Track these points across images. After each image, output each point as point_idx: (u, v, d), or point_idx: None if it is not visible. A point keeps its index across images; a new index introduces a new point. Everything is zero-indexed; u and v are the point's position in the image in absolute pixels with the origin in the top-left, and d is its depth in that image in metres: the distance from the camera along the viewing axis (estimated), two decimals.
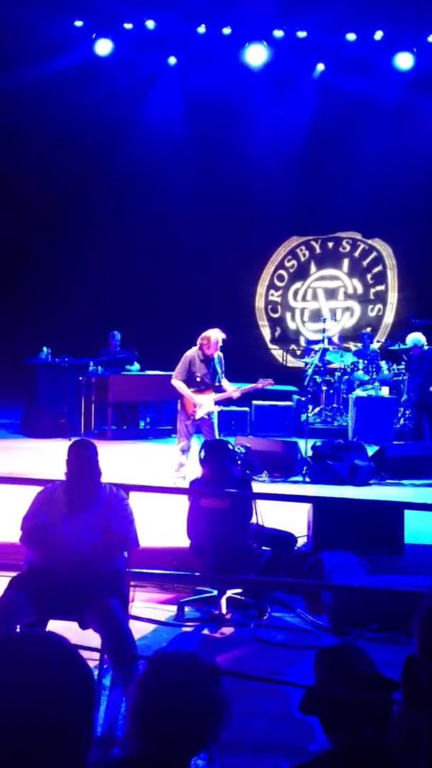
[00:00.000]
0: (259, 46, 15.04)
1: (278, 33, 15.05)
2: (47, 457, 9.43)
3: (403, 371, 12.85)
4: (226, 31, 15.05)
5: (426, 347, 11.60)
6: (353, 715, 2.22)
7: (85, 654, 1.41)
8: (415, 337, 11.72)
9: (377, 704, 2.25)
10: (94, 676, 1.32)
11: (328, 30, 14.93)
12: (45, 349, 12.80)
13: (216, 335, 8.49)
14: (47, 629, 4.24)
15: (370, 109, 15.69)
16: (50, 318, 14.89)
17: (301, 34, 15.04)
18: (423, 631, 1.08)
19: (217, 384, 8.51)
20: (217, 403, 8.61)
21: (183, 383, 8.48)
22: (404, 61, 15.02)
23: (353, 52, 15.12)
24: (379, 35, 14.83)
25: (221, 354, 8.68)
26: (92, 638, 4.13)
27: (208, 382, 8.48)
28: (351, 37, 14.96)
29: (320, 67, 15.74)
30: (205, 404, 8.43)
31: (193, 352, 8.53)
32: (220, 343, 8.50)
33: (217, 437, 8.42)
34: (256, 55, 15.13)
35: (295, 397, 13.11)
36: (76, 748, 1.21)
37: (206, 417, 8.46)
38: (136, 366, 12.79)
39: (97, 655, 4.18)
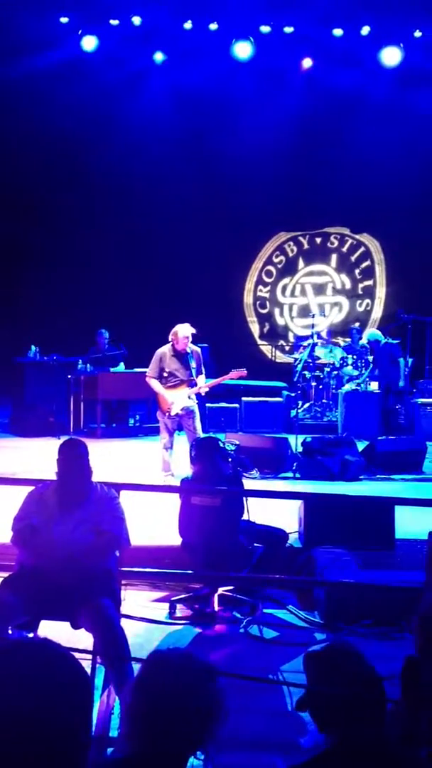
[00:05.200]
0: (246, 43, 15.00)
1: (265, 28, 15.03)
2: (36, 457, 9.40)
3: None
4: (213, 26, 15.02)
5: (383, 342, 11.80)
6: (347, 714, 2.22)
7: (77, 654, 1.40)
8: (371, 333, 12.07)
9: (371, 701, 2.26)
10: (90, 680, 1.31)
11: (315, 25, 14.91)
12: (33, 347, 12.76)
13: (183, 330, 8.52)
14: (40, 632, 4.24)
15: (358, 104, 15.69)
16: (39, 316, 14.85)
17: (288, 29, 15.03)
18: (423, 632, 1.08)
19: (190, 379, 8.52)
20: (198, 397, 8.62)
21: (156, 380, 8.52)
22: (391, 56, 15.03)
23: (341, 47, 15.12)
24: (366, 30, 14.83)
25: (198, 350, 8.71)
26: (84, 638, 4.13)
27: (181, 378, 8.50)
28: (338, 32, 14.96)
29: (308, 62, 15.71)
30: (177, 400, 8.43)
31: (164, 348, 8.61)
32: (189, 338, 8.52)
33: (201, 433, 8.44)
34: (242, 51, 15.11)
35: (285, 392, 13.13)
36: (76, 751, 1.21)
37: (181, 412, 8.46)
38: (121, 366, 12.77)
39: (89, 655, 4.17)
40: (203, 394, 8.87)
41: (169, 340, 8.60)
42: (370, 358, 12.74)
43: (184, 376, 8.50)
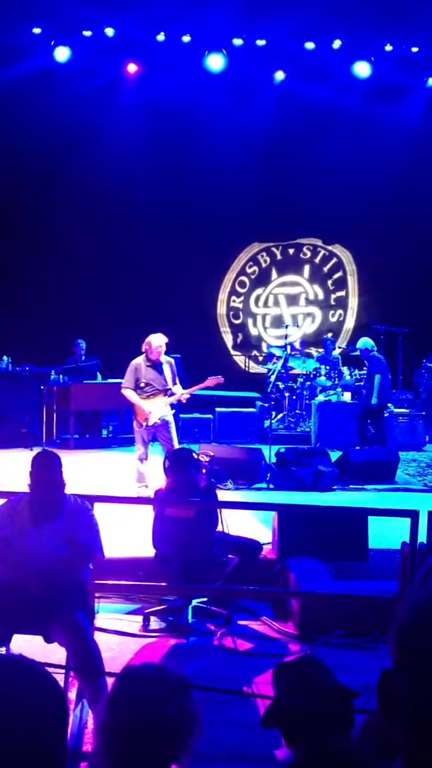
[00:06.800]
0: (218, 56, 15.08)
1: (237, 41, 15.12)
2: (9, 468, 9.32)
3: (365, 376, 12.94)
4: (186, 39, 15.07)
5: (372, 353, 11.58)
6: (313, 727, 2.23)
7: (50, 669, 1.39)
8: (363, 341, 11.80)
9: (336, 714, 2.27)
10: (65, 696, 1.30)
11: (287, 38, 15.03)
12: (5, 358, 12.67)
13: (157, 340, 8.53)
14: (12, 646, 4.19)
15: (330, 117, 15.80)
16: (10, 327, 14.73)
17: (261, 42, 15.13)
18: (398, 644, 1.08)
19: (166, 389, 8.51)
20: (173, 407, 8.62)
21: (132, 391, 8.49)
22: (362, 69, 15.18)
23: (312, 61, 15.24)
24: (337, 44, 14.97)
25: (172, 360, 8.71)
26: (58, 652, 4.09)
27: (157, 387, 8.49)
28: (310, 45, 15.09)
29: (280, 75, 15.83)
30: (155, 410, 8.41)
31: (138, 359, 8.59)
32: (163, 348, 8.53)
33: (177, 444, 8.43)
34: (215, 63, 15.19)
35: (258, 403, 13.14)
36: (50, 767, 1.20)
37: (159, 422, 8.44)
38: (98, 378, 12.73)
39: (62, 669, 4.13)
40: (184, 401, 8.86)
41: (143, 350, 8.59)
42: (355, 372, 12.77)
43: (160, 385, 8.50)
